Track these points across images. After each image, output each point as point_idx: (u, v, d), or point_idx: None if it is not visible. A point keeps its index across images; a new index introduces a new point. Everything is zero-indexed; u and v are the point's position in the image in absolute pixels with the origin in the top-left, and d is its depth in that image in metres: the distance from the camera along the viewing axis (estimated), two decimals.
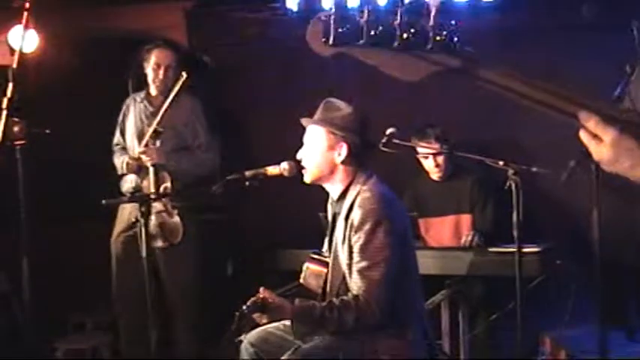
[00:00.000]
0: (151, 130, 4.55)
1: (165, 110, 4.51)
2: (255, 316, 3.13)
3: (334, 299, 3.18)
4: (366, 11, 1.53)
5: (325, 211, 3.63)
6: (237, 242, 5.80)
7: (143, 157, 4.58)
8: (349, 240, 3.22)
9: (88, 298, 5.38)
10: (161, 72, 4.88)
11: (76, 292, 5.33)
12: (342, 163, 3.35)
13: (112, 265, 4.95)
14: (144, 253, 3.58)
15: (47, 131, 4.09)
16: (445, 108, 5.17)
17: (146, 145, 4.57)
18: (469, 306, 4.59)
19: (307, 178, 3.44)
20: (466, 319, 4.55)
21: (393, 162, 4.12)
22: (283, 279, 4.03)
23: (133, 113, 5.03)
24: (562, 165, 3.13)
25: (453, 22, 1.53)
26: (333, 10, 1.57)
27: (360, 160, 3.37)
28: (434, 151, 4.85)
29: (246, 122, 5.96)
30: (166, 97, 4.56)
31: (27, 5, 3.50)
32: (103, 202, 3.71)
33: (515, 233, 3.73)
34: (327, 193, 3.50)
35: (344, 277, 3.27)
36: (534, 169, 3.90)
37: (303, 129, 3.47)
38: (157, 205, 4.53)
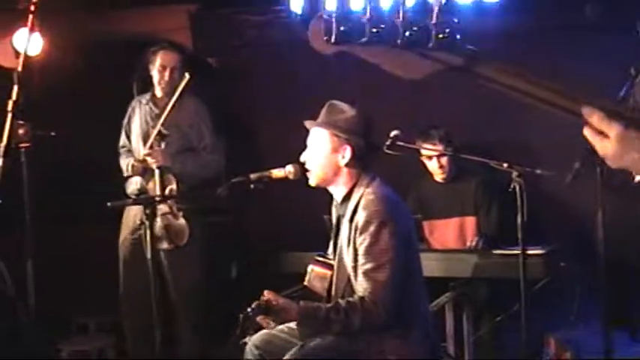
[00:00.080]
0: (155, 131, 4.56)
1: (169, 111, 4.52)
2: (263, 321, 3.12)
3: (340, 301, 3.17)
4: (368, 9, 1.53)
5: (330, 213, 3.63)
6: (241, 245, 5.80)
7: (148, 159, 4.59)
8: (354, 242, 3.22)
9: (92, 299, 5.38)
10: (166, 74, 4.89)
11: (79, 293, 5.34)
12: (346, 165, 3.35)
13: (119, 268, 4.96)
14: (149, 255, 3.59)
15: (52, 134, 4.11)
16: (448, 107, 5.17)
17: (151, 147, 4.59)
18: (473, 308, 4.58)
19: (312, 182, 3.44)
20: (470, 321, 4.54)
21: (397, 164, 4.12)
22: (288, 281, 4.03)
23: (138, 115, 5.04)
24: (566, 166, 3.13)
25: (455, 19, 1.53)
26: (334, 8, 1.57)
27: (363, 163, 3.37)
28: (438, 153, 4.85)
29: (250, 125, 5.97)
30: (171, 99, 4.58)
31: (32, 8, 3.50)
32: (108, 204, 3.71)
33: (519, 235, 3.73)
34: (332, 196, 3.50)
35: (349, 280, 3.27)
36: (538, 172, 3.90)
37: (307, 131, 3.47)
38: (162, 207, 4.54)
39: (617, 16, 4.74)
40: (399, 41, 1.53)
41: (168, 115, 4.53)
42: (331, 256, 3.51)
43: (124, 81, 5.27)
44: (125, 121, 5.12)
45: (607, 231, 3.73)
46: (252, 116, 5.95)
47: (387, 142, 3.97)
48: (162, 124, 4.54)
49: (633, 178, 1.84)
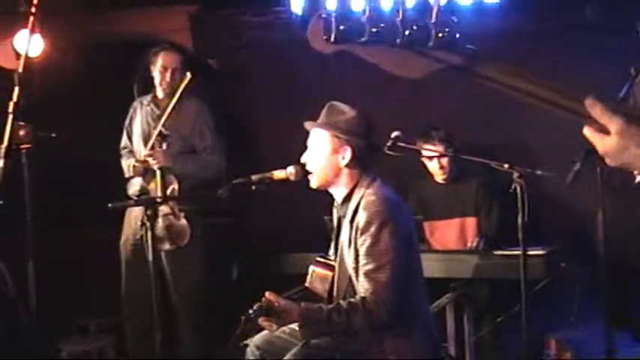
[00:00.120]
0: (156, 132, 4.57)
1: (171, 111, 4.53)
2: (266, 324, 3.12)
3: (341, 302, 3.17)
4: (368, 9, 1.53)
5: (330, 214, 3.63)
6: (242, 246, 5.80)
7: (149, 159, 4.59)
8: (355, 243, 3.22)
9: (92, 301, 5.39)
10: (168, 75, 4.89)
11: (80, 295, 5.35)
12: (347, 166, 3.35)
13: (120, 269, 4.96)
14: (150, 257, 3.59)
15: (53, 135, 4.10)
16: (447, 106, 5.16)
17: (152, 148, 4.59)
18: (474, 309, 4.58)
19: (313, 184, 3.44)
20: (471, 321, 4.54)
21: (398, 165, 4.12)
22: (289, 282, 4.03)
23: (139, 116, 5.05)
24: (567, 167, 3.13)
25: (454, 19, 1.53)
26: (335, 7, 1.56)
27: (364, 164, 3.37)
28: (438, 154, 4.85)
29: (251, 126, 5.97)
30: (172, 100, 4.58)
31: (32, 10, 3.51)
32: (109, 205, 3.71)
33: (520, 236, 3.73)
34: (332, 197, 3.50)
35: (350, 281, 3.27)
36: (539, 172, 3.90)
37: (308, 132, 3.47)
38: (164, 208, 4.54)
39: (617, 16, 4.75)
40: (398, 40, 1.53)
41: (169, 115, 4.53)
42: (332, 258, 3.51)
43: (125, 82, 5.27)
44: (126, 122, 5.13)
45: (607, 231, 3.73)
46: (252, 117, 5.95)
47: (388, 143, 3.97)
48: (164, 125, 4.54)
49: (634, 179, 1.85)
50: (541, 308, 4.04)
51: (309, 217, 4.20)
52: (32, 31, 3.59)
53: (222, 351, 4.04)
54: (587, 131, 1.51)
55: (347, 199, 3.36)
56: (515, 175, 3.77)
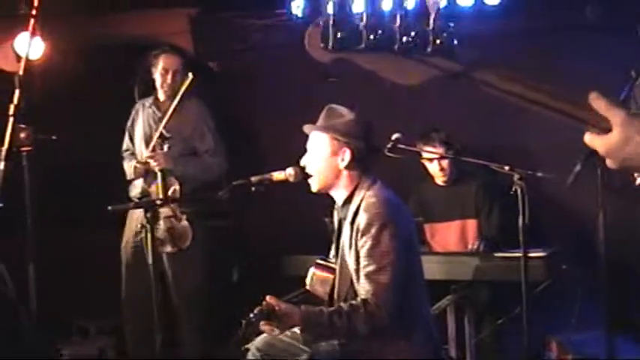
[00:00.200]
0: (157, 134, 4.57)
1: (172, 113, 4.53)
2: (267, 328, 3.12)
3: (342, 304, 3.17)
4: (365, 15, 1.52)
5: (331, 216, 3.63)
6: (242, 248, 5.80)
7: (150, 161, 4.59)
8: (356, 245, 3.22)
9: (93, 303, 5.39)
10: (169, 77, 4.90)
11: (80, 297, 5.34)
12: (346, 168, 3.35)
13: (120, 271, 4.96)
14: (150, 259, 3.59)
15: (53, 137, 4.11)
16: (446, 113, 5.17)
17: (153, 150, 4.59)
18: (475, 311, 4.58)
19: (314, 187, 3.44)
20: (472, 324, 4.54)
21: (398, 167, 4.12)
22: (289, 285, 4.03)
23: (141, 118, 5.06)
24: (567, 169, 3.13)
25: (451, 24, 1.52)
26: (332, 13, 1.56)
27: (364, 166, 3.37)
28: (438, 155, 4.85)
29: (251, 128, 5.97)
30: (173, 101, 4.58)
31: (33, 12, 3.51)
32: (109, 208, 3.72)
33: (520, 238, 3.73)
34: (333, 199, 3.50)
35: (352, 283, 3.27)
36: (539, 174, 3.90)
37: (308, 134, 3.47)
38: (165, 210, 4.54)
39: (618, 17, 4.75)
40: (396, 47, 1.53)
41: (170, 116, 4.54)
42: (333, 260, 3.51)
43: (125, 84, 5.28)
44: (128, 124, 5.13)
45: (608, 233, 3.73)
46: (252, 119, 5.95)
47: (388, 145, 3.97)
48: (165, 127, 4.54)
49: (634, 180, 1.84)
50: (542, 310, 4.03)
51: (309, 219, 4.20)
52: (33, 34, 3.60)
53: (223, 353, 4.04)
54: (588, 136, 1.51)
55: (347, 201, 3.36)
56: (516, 176, 3.76)
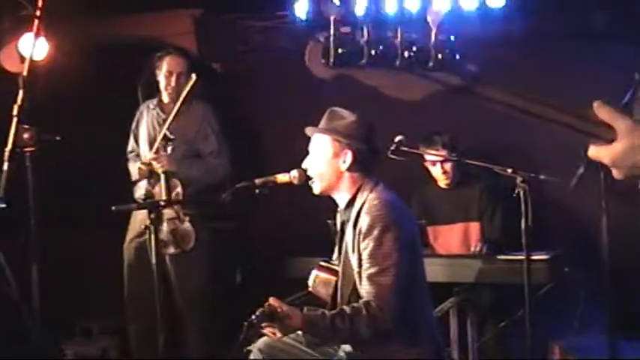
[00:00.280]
0: (161, 135, 4.57)
1: (176, 113, 4.53)
2: (269, 332, 3.12)
3: (345, 307, 3.17)
4: (366, 31, 1.51)
5: (334, 218, 3.63)
6: (246, 250, 5.80)
7: (154, 163, 4.60)
8: (358, 247, 3.22)
9: (96, 303, 5.39)
10: (173, 79, 4.90)
11: (83, 297, 5.35)
12: (348, 170, 3.34)
13: (124, 271, 4.96)
14: (154, 260, 3.59)
15: (57, 138, 4.11)
16: (447, 126, 5.15)
17: (157, 151, 4.59)
18: (478, 313, 4.58)
19: (316, 190, 3.44)
20: (475, 326, 4.54)
21: (401, 170, 4.13)
22: (292, 287, 4.03)
23: (145, 120, 5.06)
24: (570, 171, 3.13)
25: (452, 37, 1.52)
26: (332, 30, 1.54)
27: (366, 168, 3.37)
28: (441, 158, 4.85)
29: (255, 130, 5.97)
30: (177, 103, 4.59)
31: (37, 13, 3.52)
32: (113, 208, 3.72)
33: (523, 241, 3.73)
34: (336, 202, 3.50)
35: (355, 285, 3.26)
36: (542, 177, 3.90)
37: (310, 137, 3.47)
38: (168, 212, 4.54)
39: (624, 23, 4.74)
40: (397, 62, 1.52)
41: (174, 118, 4.54)
42: (336, 262, 3.51)
43: (129, 85, 5.28)
44: (133, 125, 5.14)
45: (611, 236, 3.73)
46: (256, 121, 5.95)
47: (391, 147, 3.97)
48: (168, 128, 4.55)
49: (638, 184, 1.84)
50: (544, 313, 4.04)
51: (313, 222, 4.20)
52: (37, 35, 3.61)
53: (226, 355, 4.04)
54: (593, 149, 1.51)
55: (350, 203, 3.36)
56: (519, 179, 3.77)
